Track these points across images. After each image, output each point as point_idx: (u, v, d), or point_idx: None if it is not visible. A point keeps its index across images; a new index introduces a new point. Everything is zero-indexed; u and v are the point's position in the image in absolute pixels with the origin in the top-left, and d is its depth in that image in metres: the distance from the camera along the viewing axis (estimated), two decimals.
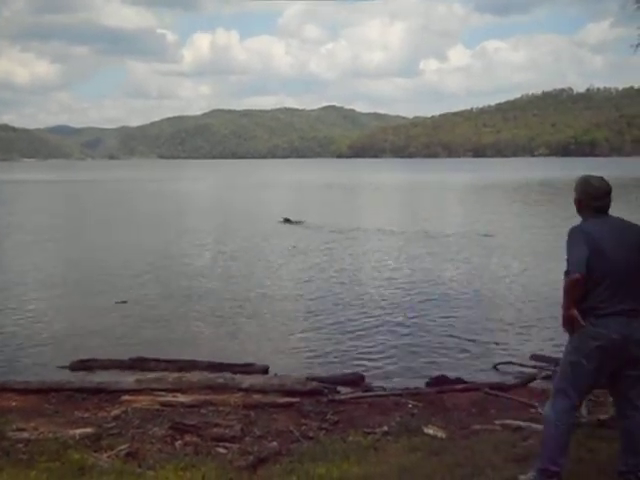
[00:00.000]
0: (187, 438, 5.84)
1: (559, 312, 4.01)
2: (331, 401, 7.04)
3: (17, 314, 12.11)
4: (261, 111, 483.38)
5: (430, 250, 19.81)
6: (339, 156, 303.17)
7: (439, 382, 7.74)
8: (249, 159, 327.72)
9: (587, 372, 3.88)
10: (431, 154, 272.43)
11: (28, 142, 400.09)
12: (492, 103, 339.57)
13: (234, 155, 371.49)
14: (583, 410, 5.36)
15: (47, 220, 31.17)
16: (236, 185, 68.06)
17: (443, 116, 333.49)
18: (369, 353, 9.48)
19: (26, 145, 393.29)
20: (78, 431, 5.88)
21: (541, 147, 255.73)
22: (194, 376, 7.72)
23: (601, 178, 4.06)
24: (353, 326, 11.01)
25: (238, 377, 7.67)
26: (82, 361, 8.82)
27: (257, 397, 7.05)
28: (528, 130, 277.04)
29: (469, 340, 10.02)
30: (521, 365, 8.59)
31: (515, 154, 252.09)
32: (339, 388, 7.62)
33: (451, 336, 10.27)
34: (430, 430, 5.82)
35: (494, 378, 8.17)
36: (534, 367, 8.45)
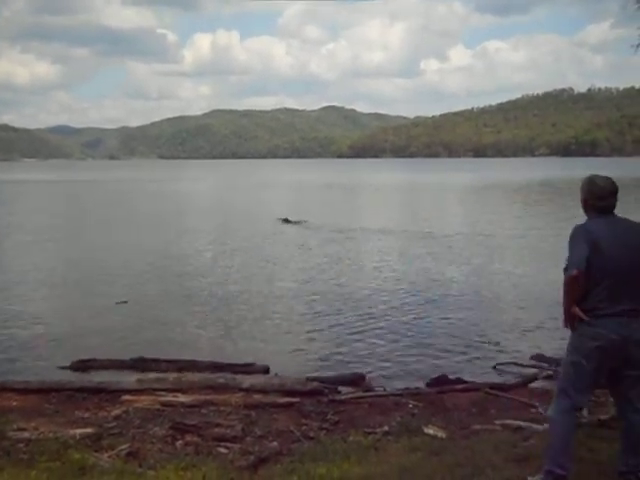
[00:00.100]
0: (188, 438, 5.85)
1: (560, 311, 4.02)
2: (332, 401, 7.04)
3: (17, 314, 12.11)
4: (261, 111, 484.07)
5: (430, 250, 19.80)
6: (340, 156, 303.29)
7: (439, 382, 7.74)
8: (249, 159, 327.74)
9: (587, 372, 3.89)
10: (432, 154, 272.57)
11: (29, 142, 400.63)
12: (493, 103, 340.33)
13: (234, 155, 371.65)
14: (584, 410, 5.36)
15: (47, 220, 31.17)
16: (236, 185, 68.07)
17: (444, 116, 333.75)
18: (369, 353, 9.47)
19: (26, 145, 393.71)
20: (79, 431, 5.88)
21: (542, 147, 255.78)
22: (195, 376, 7.72)
23: (607, 178, 4.05)
24: (353, 326, 11.00)
25: (239, 377, 7.67)
26: (83, 361, 8.82)
27: (258, 397, 7.05)
28: (529, 130, 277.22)
29: (469, 340, 10.02)
30: (521, 365, 8.58)
31: (516, 154, 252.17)
32: (340, 388, 7.62)
33: (451, 336, 10.27)
34: (430, 430, 5.82)
35: (494, 378, 8.17)
36: (534, 367, 8.44)
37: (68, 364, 8.80)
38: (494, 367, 8.70)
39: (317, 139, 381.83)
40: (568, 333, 4.07)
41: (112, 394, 7.28)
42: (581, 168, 67.95)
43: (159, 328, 11.08)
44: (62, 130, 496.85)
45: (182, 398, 6.99)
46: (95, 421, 6.37)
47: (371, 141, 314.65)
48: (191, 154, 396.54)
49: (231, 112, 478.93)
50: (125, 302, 12.87)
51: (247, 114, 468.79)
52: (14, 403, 7.07)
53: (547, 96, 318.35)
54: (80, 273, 16.98)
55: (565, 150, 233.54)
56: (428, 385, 7.76)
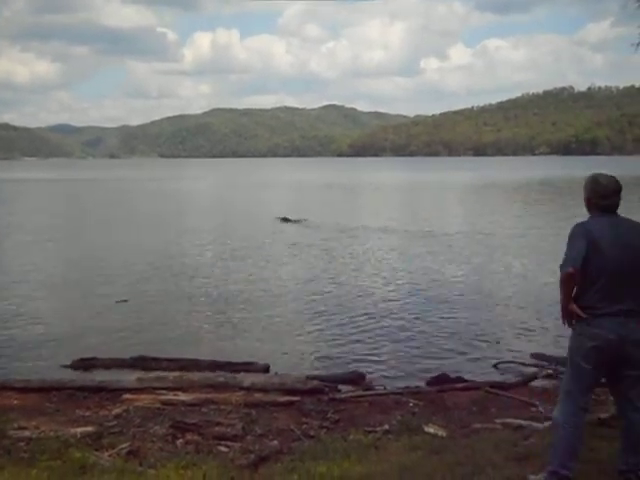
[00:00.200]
0: (188, 437, 5.86)
1: (559, 309, 4.02)
2: (332, 400, 7.05)
3: (18, 313, 12.11)
4: (261, 110, 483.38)
5: (431, 249, 19.80)
6: (340, 155, 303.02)
7: (440, 381, 7.75)
8: (249, 158, 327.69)
9: (587, 372, 3.89)
10: (432, 153, 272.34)
11: (29, 141, 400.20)
12: (493, 102, 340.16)
13: (234, 154, 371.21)
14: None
15: (47, 220, 31.17)
16: (236, 184, 68.05)
17: (444, 115, 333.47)
18: (370, 352, 9.48)
19: (27, 144, 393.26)
20: (79, 430, 5.89)
21: (542, 146, 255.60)
22: (195, 375, 7.74)
23: (610, 177, 4.04)
24: (354, 325, 11.01)
25: (239, 376, 7.68)
26: (83, 360, 8.83)
27: (258, 396, 7.06)
28: (529, 129, 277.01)
29: (470, 339, 10.03)
30: (522, 364, 8.59)
31: (516, 153, 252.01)
32: (340, 387, 7.63)
33: (452, 335, 10.28)
34: (431, 429, 5.83)
35: (495, 377, 8.18)
36: (535, 366, 8.45)
37: (69, 363, 8.81)
38: (494, 366, 8.71)
39: (317, 138, 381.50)
40: (568, 332, 4.07)
41: (113, 393, 7.29)
42: (581, 167, 67.97)
43: (159, 327, 11.09)
44: (62, 129, 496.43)
45: (182, 397, 7.00)
46: (96, 420, 6.38)
47: (371, 140, 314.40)
48: (191, 153, 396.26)
49: (231, 111, 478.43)
50: (125, 301, 12.88)
51: (247, 113, 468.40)
52: (15, 402, 7.08)
53: (547, 95, 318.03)
54: (80, 272, 16.98)
55: (565, 149, 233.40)
56: (428, 384, 7.77)
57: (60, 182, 76.35)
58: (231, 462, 5.17)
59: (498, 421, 6.01)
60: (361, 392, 7.42)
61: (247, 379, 7.51)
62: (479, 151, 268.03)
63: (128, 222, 29.78)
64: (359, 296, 13.36)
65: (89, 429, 5.95)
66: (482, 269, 16.56)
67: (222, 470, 4.83)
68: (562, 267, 3.85)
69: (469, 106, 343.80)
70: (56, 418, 6.47)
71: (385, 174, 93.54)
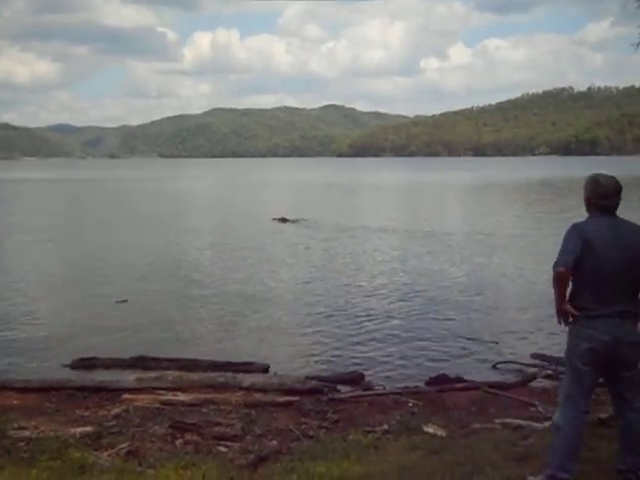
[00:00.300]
0: (188, 437, 5.86)
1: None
2: (331, 400, 7.05)
3: (18, 313, 12.12)
4: (261, 110, 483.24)
5: (430, 249, 19.81)
6: (340, 155, 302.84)
7: (439, 381, 7.75)
8: (249, 158, 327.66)
9: (585, 373, 3.88)
10: (432, 153, 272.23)
11: (29, 141, 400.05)
12: (493, 102, 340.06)
13: (234, 154, 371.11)
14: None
15: (47, 220, 31.17)
16: (236, 184, 68.06)
17: (444, 115, 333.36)
18: (369, 352, 9.49)
19: (27, 144, 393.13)
20: (79, 430, 5.89)
21: (542, 146, 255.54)
22: (195, 375, 7.73)
23: (610, 177, 4.03)
24: (353, 325, 11.02)
25: (238, 376, 7.68)
26: (83, 360, 8.83)
27: (257, 396, 7.06)
28: (529, 129, 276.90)
29: (469, 339, 10.03)
30: (521, 364, 8.59)
31: (515, 153, 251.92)
32: (339, 387, 7.63)
33: (451, 335, 10.28)
34: (430, 429, 5.83)
35: (494, 377, 8.18)
36: (534, 366, 8.45)
37: (68, 363, 8.82)
38: (494, 366, 8.71)
39: (317, 138, 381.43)
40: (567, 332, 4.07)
41: (112, 393, 7.29)
42: (581, 167, 67.94)
43: (159, 327, 11.09)
44: (62, 129, 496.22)
45: (182, 397, 7.00)
46: (95, 420, 6.38)
47: (371, 140, 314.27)
48: (191, 153, 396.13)
49: (231, 111, 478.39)
50: (125, 301, 12.88)
51: (247, 113, 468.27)
52: (15, 402, 7.08)
53: (547, 95, 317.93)
54: (80, 272, 16.99)
55: (565, 149, 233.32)
56: (428, 384, 7.77)
57: (60, 182, 76.35)
58: (230, 462, 5.17)
59: (497, 421, 6.02)
60: (360, 392, 7.42)
61: (246, 379, 7.51)
62: (479, 151, 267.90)
63: (128, 222, 29.78)
64: (358, 296, 13.37)
65: (89, 429, 5.95)
66: (482, 269, 16.57)
67: (221, 470, 4.83)
68: (554, 267, 3.86)
69: (469, 106, 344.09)
70: (56, 418, 6.47)
71: (385, 174, 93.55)
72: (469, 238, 22.18)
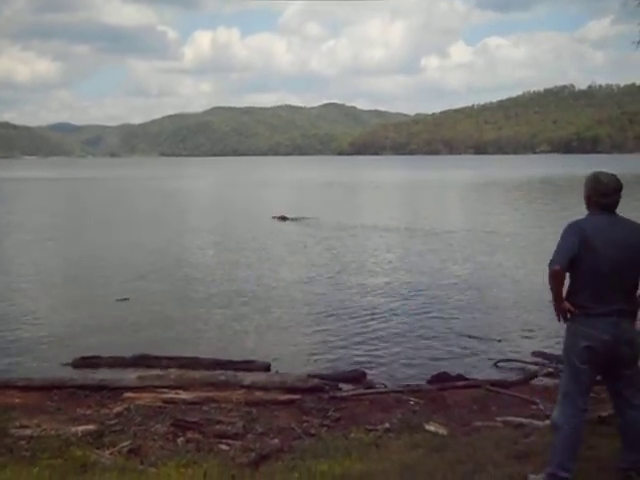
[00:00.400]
0: (189, 435, 5.86)
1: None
2: (332, 398, 7.05)
3: (19, 312, 12.13)
4: (262, 108, 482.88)
5: (432, 247, 19.81)
6: (340, 153, 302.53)
7: (440, 379, 7.75)
8: (250, 156, 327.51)
9: (583, 371, 3.88)
10: (432, 151, 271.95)
11: (29, 140, 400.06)
12: (493, 100, 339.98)
13: (235, 152, 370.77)
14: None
15: (47, 219, 31.18)
16: (237, 183, 68.06)
17: (444, 113, 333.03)
18: (370, 350, 9.49)
19: (27, 143, 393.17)
20: (80, 428, 5.90)
21: (543, 144, 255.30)
22: (196, 373, 7.74)
23: (611, 175, 4.01)
24: (354, 323, 11.02)
25: (240, 374, 7.69)
26: (84, 358, 8.84)
27: (259, 394, 7.07)
28: (529, 127, 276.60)
29: (470, 337, 10.03)
30: (522, 362, 8.60)
31: (516, 151, 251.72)
32: (340, 385, 7.64)
33: (452, 333, 10.29)
34: (431, 427, 5.83)
35: (495, 375, 8.20)
36: (535, 364, 8.46)
37: (70, 361, 8.82)
38: (495, 364, 8.71)
39: (318, 136, 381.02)
40: None
41: (114, 391, 7.30)
42: (582, 165, 67.93)
43: (160, 325, 11.10)
44: (63, 127, 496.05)
45: (183, 395, 7.01)
46: (97, 418, 6.38)
47: (372, 138, 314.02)
48: (192, 151, 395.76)
49: (232, 109, 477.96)
50: (126, 300, 12.89)
51: (248, 111, 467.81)
52: (16, 400, 7.08)
53: (548, 93, 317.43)
54: (81, 271, 17.00)
55: (566, 147, 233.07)
56: (429, 382, 7.77)
57: (60, 181, 76.35)
58: (232, 460, 5.17)
59: (499, 419, 6.02)
60: (362, 390, 7.42)
61: (248, 377, 7.52)
62: (480, 149, 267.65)
63: (128, 221, 29.78)
64: (359, 294, 13.37)
65: (90, 427, 5.96)
66: (483, 267, 16.56)
67: (223, 468, 4.84)
68: (549, 265, 3.86)
69: (470, 104, 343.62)
70: (57, 416, 6.48)
71: (386, 172, 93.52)
72: (470, 236, 22.17)
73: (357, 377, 8.02)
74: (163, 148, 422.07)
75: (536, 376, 7.92)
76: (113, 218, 31.15)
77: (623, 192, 3.99)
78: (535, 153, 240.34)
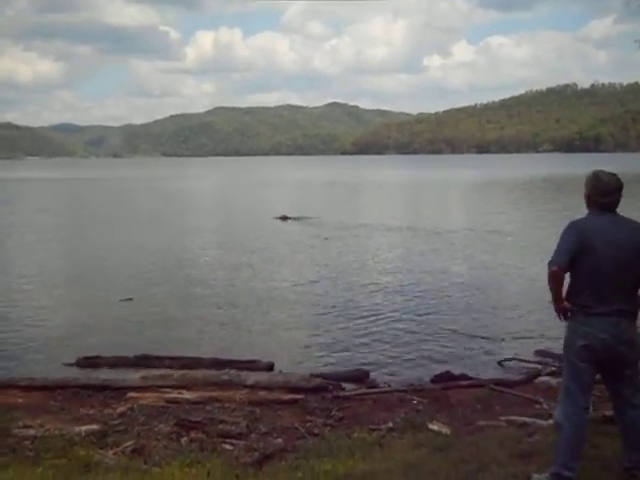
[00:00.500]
0: (193, 435, 5.86)
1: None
2: (336, 398, 7.05)
3: (22, 312, 12.15)
4: (264, 108, 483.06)
5: (434, 247, 19.80)
6: (343, 153, 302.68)
7: (444, 378, 7.74)
8: (252, 156, 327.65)
9: (582, 370, 3.87)
10: (435, 150, 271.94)
11: (32, 140, 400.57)
12: (496, 99, 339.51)
13: (237, 152, 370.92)
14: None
15: (50, 219, 31.23)
16: (239, 183, 68.08)
17: (447, 112, 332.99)
18: (373, 349, 9.48)
19: (30, 143, 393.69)
20: (84, 428, 5.90)
21: (545, 143, 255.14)
22: (199, 373, 7.75)
23: (611, 174, 3.99)
24: (357, 323, 11.02)
25: (243, 374, 7.69)
26: (88, 358, 8.85)
27: (262, 394, 7.07)
28: (532, 126, 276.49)
29: (473, 336, 10.02)
30: (526, 361, 8.58)
31: (519, 150, 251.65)
32: (344, 385, 7.63)
33: (456, 332, 10.27)
34: (435, 426, 5.83)
35: (499, 374, 8.18)
36: (539, 363, 8.45)
37: (73, 361, 8.83)
38: (499, 363, 8.70)
39: (320, 136, 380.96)
40: None
41: (117, 391, 7.30)
42: (585, 164, 67.76)
43: (163, 325, 11.11)
44: (65, 128, 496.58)
45: (187, 395, 7.01)
46: (100, 418, 6.39)
47: (374, 138, 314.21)
48: (194, 152, 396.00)
49: (234, 109, 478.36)
50: (130, 299, 12.90)
51: (250, 111, 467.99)
52: (19, 400, 7.09)
53: (550, 92, 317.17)
54: (84, 271, 17.03)
55: (569, 146, 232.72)
56: (432, 381, 7.77)
57: (63, 181, 76.44)
58: (235, 460, 5.17)
59: (502, 418, 6.01)
60: (365, 390, 7.42)
61: (251, 377, 7.52)
62: (482, 149, 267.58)
63: (131, 221, 29.81)
64: (362, 294, 13.37)
65: (94, 427, 5.96)
66: (485, 267, 16.54)
67: (226, 468, 4.84)
68: (549, 265, 3.85)
69: (472, 103, 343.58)
70: (61, 416, 6.49)
71: (388, 172, 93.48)
72: (473, 236, 22.15)
73: (360, 377, 8.01)
74: (165, 148, 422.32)
75: (539, 375, 7.91)
76: (116, 218, 31.19)
77: (626, 191, 3.98)
78: (538, 152, 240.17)
